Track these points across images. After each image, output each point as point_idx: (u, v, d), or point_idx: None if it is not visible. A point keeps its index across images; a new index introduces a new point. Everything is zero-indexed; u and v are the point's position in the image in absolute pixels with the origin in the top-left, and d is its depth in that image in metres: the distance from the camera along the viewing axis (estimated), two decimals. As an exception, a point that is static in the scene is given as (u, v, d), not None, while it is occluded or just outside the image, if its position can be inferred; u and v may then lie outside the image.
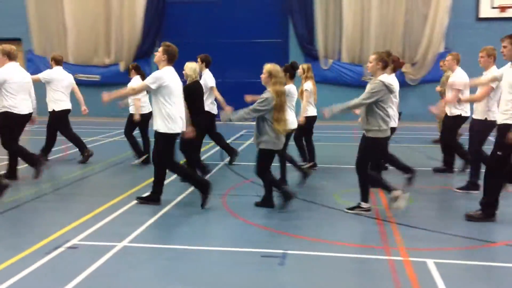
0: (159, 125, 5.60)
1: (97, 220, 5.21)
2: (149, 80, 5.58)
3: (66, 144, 9.83)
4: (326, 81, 14.62)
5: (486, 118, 6.07)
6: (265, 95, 5.43)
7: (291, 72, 6.58)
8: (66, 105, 8.20)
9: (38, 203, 5.98)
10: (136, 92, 6.40)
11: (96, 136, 11.21)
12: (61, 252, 4.30)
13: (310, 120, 7.60)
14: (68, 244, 4.47)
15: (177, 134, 5.80)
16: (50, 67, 8.37)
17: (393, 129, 6.23)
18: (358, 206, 5.49)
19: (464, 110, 6.95)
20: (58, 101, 8.09)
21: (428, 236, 4.86)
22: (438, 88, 9.81)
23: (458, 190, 6.44)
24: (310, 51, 14.72)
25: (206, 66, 8.00)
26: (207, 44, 14.92)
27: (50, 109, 8.14)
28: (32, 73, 15.35)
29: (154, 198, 5.86)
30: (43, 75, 8.15)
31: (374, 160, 5.97)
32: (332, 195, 6.31)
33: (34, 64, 15.33)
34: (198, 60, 7.91)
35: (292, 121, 6.36)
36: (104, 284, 3.71)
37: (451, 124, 7.14)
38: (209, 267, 4.10)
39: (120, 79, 13.54)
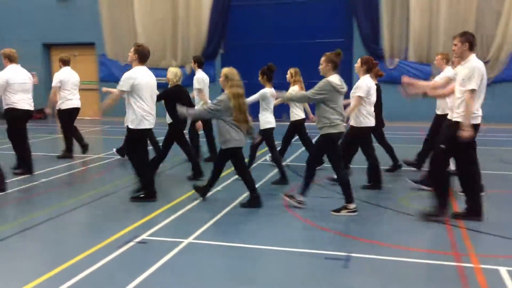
0: (131, 121, 5.87)
1: (165, 217, 5.41)
2: (120, 84, 5.82)
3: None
4: (392, 81, 14.16)
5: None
6: (221, 97, 5.69)
7: (268, 74, 6.84)
8: (73, 103, 8.72)
9: (112, 198, 6.29)
10: (115, 98, 6.10)
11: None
12: (132, 246, 4.51)
13: (298, 124, 7.65)
14: (138, 239, 4.68)
15: (148, 129, 6.06)
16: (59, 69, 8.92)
17: (369, 128, 6.50)
18: (293, 198, 5.73)
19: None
20: (64, 99, 8.65)
21: (501, 242, 4.62)
22: None
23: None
24: (375, 50, 14.39)
25: (199, 66, 8.38)
26: (271, 45, 15.05)
27: (57, 107, 8.79)
28: (104, 76, 16.17)
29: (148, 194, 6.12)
30: (55, 82, 8.66)
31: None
32: (398, 198, 6.14)
33: (106, 68, 16.13)
34: (192, 60, 8.50)
35: (269, 121, 6.86)
36: (171, 279, 3.85)
37: None
38: (271, 266, 4.13)
39: (186, 81, 13.84)
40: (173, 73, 7.17)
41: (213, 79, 15.81)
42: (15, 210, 5.86)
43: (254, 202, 5.83)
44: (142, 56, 5.93)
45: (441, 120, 6.09)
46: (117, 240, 4.65)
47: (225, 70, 5.81)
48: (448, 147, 5.12)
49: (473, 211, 5.22)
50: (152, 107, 6.01)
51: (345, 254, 4.28)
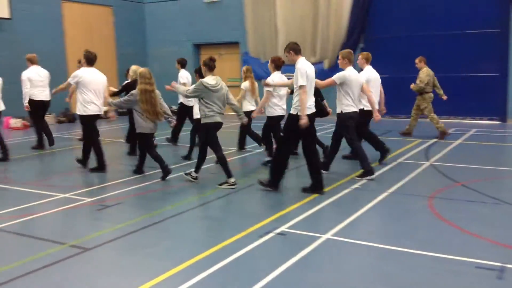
0: (79, 109, 7.65)
1: (303, 210, 5.48)
2: (69, 79, 7.75)
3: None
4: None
5: (342, 111, 7.10)
6: (133, 91, 7.11)
7: (199, 72, 7.68)
8: (38, 97, 9.78)
9: (248, 191, 6.55)
10: (66, 86, 8.39)
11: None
12: (272, 237, 4.64)
13: (248, 114, 8.44)
14: (278, 231, 4.81)
15: (92, 115, 7.66)
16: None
17: (278, 117, 8.07)
18: (225, 182, 6.74)
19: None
20: (32, 95, 9.79)
21: None
22: (412, 85, 10.59)
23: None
24: (537, 41, 12.83)
25: (182, 67, 10.13)
26: (415, 37, 14.31)
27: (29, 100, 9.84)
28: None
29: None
30: (23, 76, 9.77)
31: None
32: None
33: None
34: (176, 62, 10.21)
35: (196, 112, 7.75)
36: (310, 274, 3.87)
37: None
38: (414, 271, 3.92)
39: (324, 76, 13.81)
40: (133, 70, 8.65)
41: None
42: (167, 197, 6.42)
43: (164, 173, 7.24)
44: (89, 60, 7.70)
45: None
46: (258, 230, 4.83)
47: (140, 70, 7.28)
48: (287, 135, 6.31)
49: (314, 186, 6.28)
50: (97, 97, 7.67)
51: (500, 264, 3.89)
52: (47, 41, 14.95)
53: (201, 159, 6.92)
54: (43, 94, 9.85)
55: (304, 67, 6.05)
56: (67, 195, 6.37)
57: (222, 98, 6.76)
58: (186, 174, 7.10)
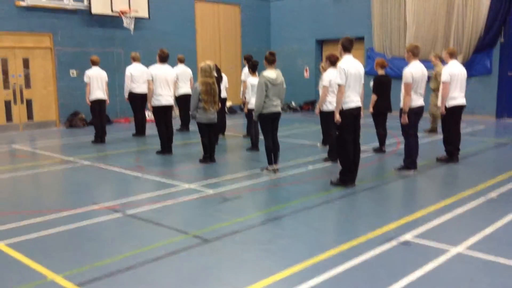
0: (152, 101, 8.89)
1: (431, 218, 5.08)
2: (148, 76, 9.03)
3: (397, 138, 10.02)
4: None
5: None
6: (195, 84, 7.96)
7: (252, 68, 8.93)
8: (97, 95, 10.50)
9: (369, 193, 6.28)
10: (151, 86, 8.92)
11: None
12: (393, 247, 4.34)
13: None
14: (400, 239, 4.49)
15: (161, 106, 8.86)
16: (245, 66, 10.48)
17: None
18: (265, 168, 7.35)
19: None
20: (132, 88, 11.17)
21: None
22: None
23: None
24: None
25: (248, 62, 9.89)
26: None
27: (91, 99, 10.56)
28: (369, 70, 16.26)
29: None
30: (85, 77, 10.48)
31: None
32: None
33: (372, 61, 16.23)
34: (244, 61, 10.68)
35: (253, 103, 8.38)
36: (437, 289, 3.54)
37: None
38: None
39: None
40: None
41: (489, 71, 14.18)
42: (285, 195, 6.39)
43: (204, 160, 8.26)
44: (161, 58, 9.00)
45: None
46: (379, 237, 4.57)
47: (201, 64, 8.03)
48: (340, 131, 6.39)
49: (346, 180, 6.47)
50: (166, 92, 8.90)
51: None
52: (181, 38, 15.90)
53: (268, 152, 7.24)
54: (141, 87, 11.04)
55: (344, 67, 6.15)
56: (191, 186, 6.68)
57: (279, 91, 7.08)
58: (261, 169, 7.42)
